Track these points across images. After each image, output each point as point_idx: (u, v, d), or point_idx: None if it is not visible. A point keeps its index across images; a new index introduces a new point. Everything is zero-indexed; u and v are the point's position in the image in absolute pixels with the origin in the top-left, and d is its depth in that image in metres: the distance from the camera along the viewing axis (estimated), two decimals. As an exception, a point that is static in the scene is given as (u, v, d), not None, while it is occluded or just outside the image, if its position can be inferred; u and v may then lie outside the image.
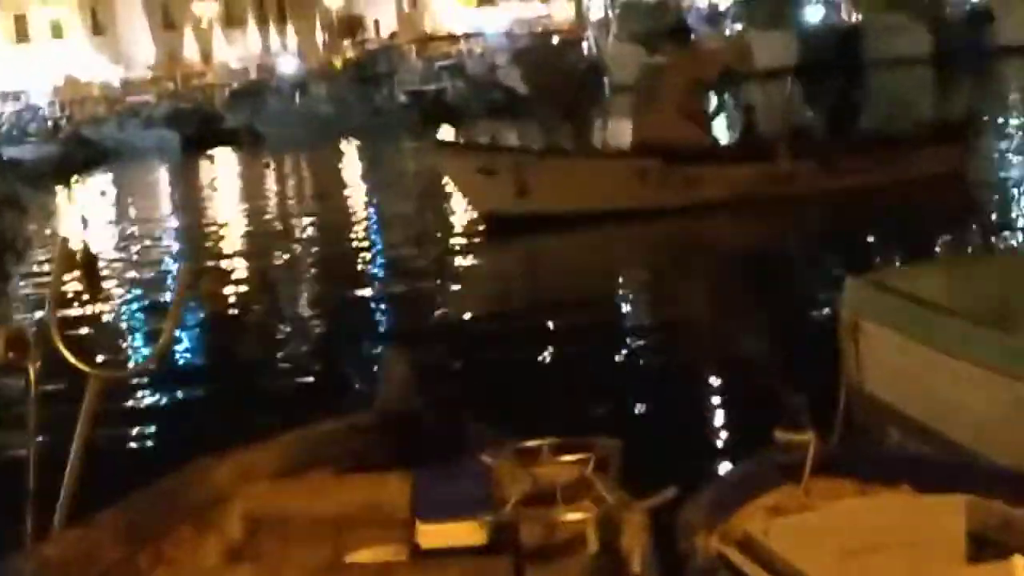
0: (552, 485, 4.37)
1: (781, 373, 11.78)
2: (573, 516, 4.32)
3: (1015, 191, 24.53)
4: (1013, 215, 21.81)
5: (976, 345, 6.84)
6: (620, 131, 24.17)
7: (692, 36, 27.67)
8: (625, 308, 18.07)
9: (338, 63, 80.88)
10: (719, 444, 10.41)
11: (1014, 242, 18.95)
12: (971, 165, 25.00)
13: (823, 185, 22.80)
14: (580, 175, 23.13)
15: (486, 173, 23.25)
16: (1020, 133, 33.73)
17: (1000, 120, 37.00)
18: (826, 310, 14.34)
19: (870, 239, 20.19)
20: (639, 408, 12.07)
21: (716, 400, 12.18)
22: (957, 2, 76.18)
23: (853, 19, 75.11)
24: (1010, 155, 29.22)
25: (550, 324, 16.00)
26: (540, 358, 14.45)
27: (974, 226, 20.23)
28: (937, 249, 17.84)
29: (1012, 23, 67.68)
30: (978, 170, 25.65)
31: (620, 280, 19.72)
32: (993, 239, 18.98)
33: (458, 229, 25.12)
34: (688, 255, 21.13)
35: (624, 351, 14.72)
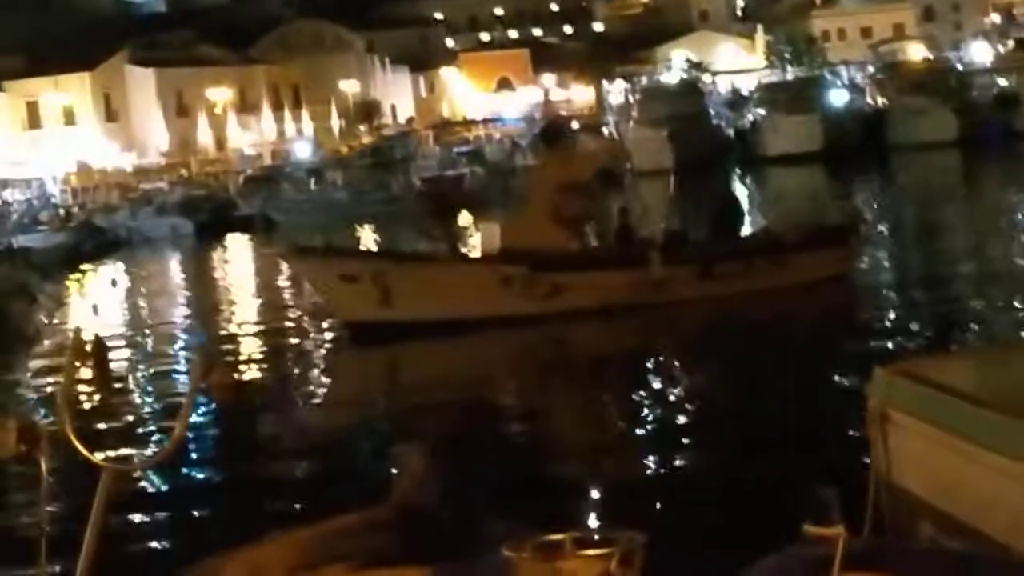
0: (575, 581, 4.34)
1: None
2: (597, 612, 4.30)
3: (901, 294, 24.21)
4: (892, 321, 21.30)
5: (1010, 437, 6.79)
6: (493, 235, 23.95)
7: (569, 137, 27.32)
8: (485, 417, 17.31)
9: (344, 149, 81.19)
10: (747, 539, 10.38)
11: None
12: (857, 268, 25.02)
13: (700, 291, 22.53)
14: (443, 282, 22.77)
15: (347, 280, 23.11)
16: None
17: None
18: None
19: (741, 346, 19.92)
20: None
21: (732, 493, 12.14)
22: (984, 85, 76.44)
23: (879, 103, 75.33)
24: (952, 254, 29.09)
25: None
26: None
27: (852, 333, 19.97)
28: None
29: (1040, 107, 67.95)
30: (868, 273, 25.74)
31: (484, 388, 19.14)
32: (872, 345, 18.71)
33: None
34: (552, 363, 20.73)
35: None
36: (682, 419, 15.87)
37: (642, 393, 17.81)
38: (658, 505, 12.00)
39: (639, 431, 15.55)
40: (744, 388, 17.13)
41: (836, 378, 16.39)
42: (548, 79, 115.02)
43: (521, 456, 14.61)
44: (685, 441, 14.83)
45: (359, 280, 22.89)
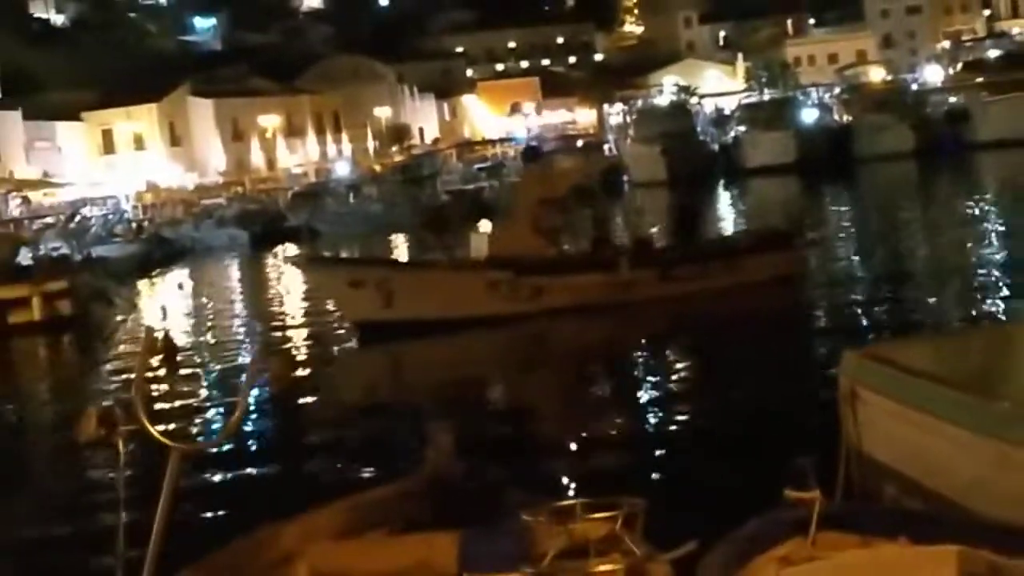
0: (585, 540, 4.35)
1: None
2: (605, 568, 4.30)
3: (857, 287, 23.91)
4: (841, 313, 21.08)
5: (963, 411, 6.79)
6: (481, 244, 24.11)
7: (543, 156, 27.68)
8: (479, 407, 16.99)
9: (378, 167, 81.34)
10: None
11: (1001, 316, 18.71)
12: (804, 269, 24.82)
13: (661, 291, 22.61)
14: (438, 286, 22.79)
15: (355, 285, 23.08)
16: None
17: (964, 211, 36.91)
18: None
19: (700, 339, 19.95)
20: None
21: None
22: (937, 103, 76.40)
23: (845, 120, 75.32)
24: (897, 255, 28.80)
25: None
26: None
27: (794, 325, 20.00)
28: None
29: (986, 121, 67.83)
30: (815, 272, 25.48)
31: (476, 377, 19.11)
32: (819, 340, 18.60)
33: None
34: (534, 355, 20.75)
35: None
36: (659, 402, 15.75)
37: (617, 380, 17.83)
38: (652, 475, 11.96)
39: (621, 414, 15.37)
40: (710, 374, 17.17)
41: (793, 363, 16.47)
42: (528, 107, 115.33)
43: (508, 436, 14.49)
44: (667, 417, 14.73)
45: (365, 286, 22.87)
